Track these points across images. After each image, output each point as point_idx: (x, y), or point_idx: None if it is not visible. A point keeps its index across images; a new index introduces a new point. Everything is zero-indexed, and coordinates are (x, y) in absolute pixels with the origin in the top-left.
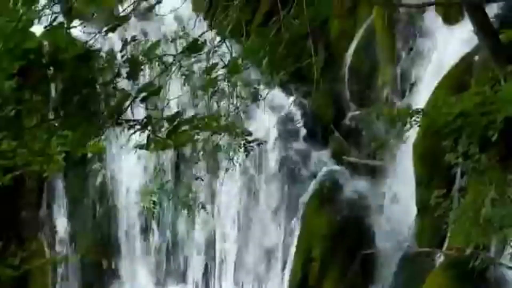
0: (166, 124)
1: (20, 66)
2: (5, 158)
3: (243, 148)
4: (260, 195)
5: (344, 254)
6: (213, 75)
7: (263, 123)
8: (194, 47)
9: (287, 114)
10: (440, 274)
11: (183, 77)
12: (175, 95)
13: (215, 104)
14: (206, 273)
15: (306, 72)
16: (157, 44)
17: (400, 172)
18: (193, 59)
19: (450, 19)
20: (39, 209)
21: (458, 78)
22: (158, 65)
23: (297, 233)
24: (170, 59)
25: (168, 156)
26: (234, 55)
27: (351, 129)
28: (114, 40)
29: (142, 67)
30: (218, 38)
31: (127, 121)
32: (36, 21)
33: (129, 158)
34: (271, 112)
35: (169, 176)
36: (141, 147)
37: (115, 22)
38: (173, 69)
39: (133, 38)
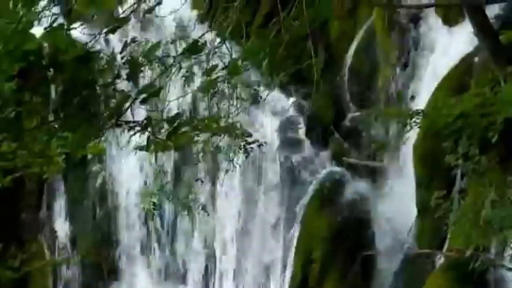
0: (166, 126)
1: (20, 67)
2: (5, 160)
3: (243, 150)
4: (260, 197)
5: (344, 256)
6: (213, 76)
7: (265, 128)
8: (194, 48)
9: (288, 118)
10: (440, 275)
11: (183, 78)
12: (175, 96)
13: (215, 106)
14: (206, 274)
15: (306, 74)
16: (157, 45)
17: (400, 173)
18: (193, 61)
19: (450, 20)
20: (39, 211)
21: (458, 79)
22: (158, 66)
23: (297, 234)
24: (170, 61)
25: (168, 157)
26: (234, 56)
27: (351, 130)
28: (114, 41)
29: (142, 68)
30: (218, 40)
31: (127, 122)
32: (36, 22)
33: (129, 159)
34: (272, 116)
35: (169, 177)
36: (141, 148)
37: (115, 24)
38: (173, 70)
39: (133, 40)
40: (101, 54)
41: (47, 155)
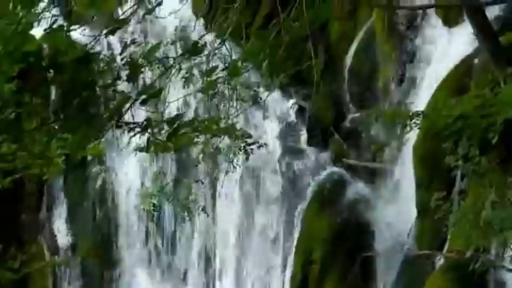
0: (166, 127)
1: (20, 69)
2: (5, 161)
3: (243, 151)
4: (260, 198)
5: (344, 257)
6: (213, 77)
7: (267, 135)
8: (194, 49)
9: (289, 124)
10: (440, 276)
11: (183, 79)
12: (175, 97)
13: (215, 107)
14: (207, 275)
15: (306, 75)
16: (157, 46)
17: (400, 174)
18: (193, 62)
19: (450, 21)
20: (39, 212)
21: (458, 80)
22: (158, 67)
23: (296, 235)
24: (170, 62)
25: (168, 158)
26: (234, 57)
27: (351, 131)
28: (115, 43)
29: (142, 70)
30: (218, 41)
31: (127, 123)
32: (36, 24)
33: (129, 160)
34: (273, 123)
35: (169, 178)
36: (141, 149)
37: (115, 25)
38: (173, 71)
39: (133, 41)
40: (101, 56)
41: (47, 156)
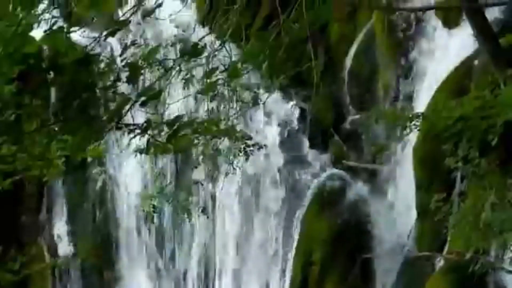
0: (166, 128)
1: (20, 70)
2: (5, 163)
3: (243, 152)
4: (261, 200)
5: (344, 258)
6: (213, 79)
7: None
8: (194, 51)
9: (290, 125)
10: (440, 278)
11: (183, 81)
12: (175, 99)
13: (215, 108)
14: (206, 275)
15: (306, 76)
16: (157, 48)
17: (400, 176)
18: (193, 63)
19: (449, 23)
20: (39, 214)
21: (458, 82)
22: (158, 69)
23: (296, 236)
24: (170, 63)
25: (168, 160)
26: (234, 59)
27: (351, 133)
28: (116, 44)
29: (142, 71)
30: (218, 42)
31: (127, 125)
32: (36, 25)
33: (129, 162)
34: (275, 126)
35: (169, 180)
36: (141, 151)
37: (115, 27)
38: (173, 73)
39: (133, 42)
40: (101, 57)
41: (47, 158)
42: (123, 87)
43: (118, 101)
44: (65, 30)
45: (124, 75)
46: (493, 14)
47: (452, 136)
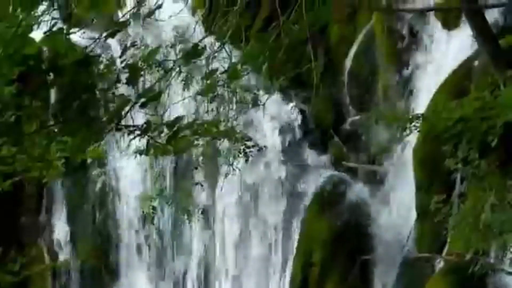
0: (165, 130)
1: (20, 72)
2: (5, 164)
3: (242, 154)
4: (261, 202)
5: (344, 259)
6: (213, 80)
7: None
8: (194, 52)
9: (291, 126)
10: (439, 279)
11: (183, 82)
12: (175, 100)
13: (215, 110)
14: (206, 276)
15: (305, 78)
16: (157, 50)
17: (400, 177)
18: (192, 65)
19: (449, 24)
20: (39, 215)
21: (457, 83)
22: (158, 70)
23: (296, 237)
24: (170, 65)
25: (167, 161)
26: (233, 60)
27: (351, 134)
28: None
29: (142, 72)
30: (217, 44)
31: (127, 126)
32: (35, 26)
33: (128, 163)
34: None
35: (168, 181)
36: (140, 152)
37: (115, 28)
38: (173, 74)
39: (133, 44)
40: (101, 58)
41: (47, 159)
42: (123, 89)
43: (118, 102)
44: (65, 31)
45: (124, 77)
46: (492, 15)
47: (452, 137)
